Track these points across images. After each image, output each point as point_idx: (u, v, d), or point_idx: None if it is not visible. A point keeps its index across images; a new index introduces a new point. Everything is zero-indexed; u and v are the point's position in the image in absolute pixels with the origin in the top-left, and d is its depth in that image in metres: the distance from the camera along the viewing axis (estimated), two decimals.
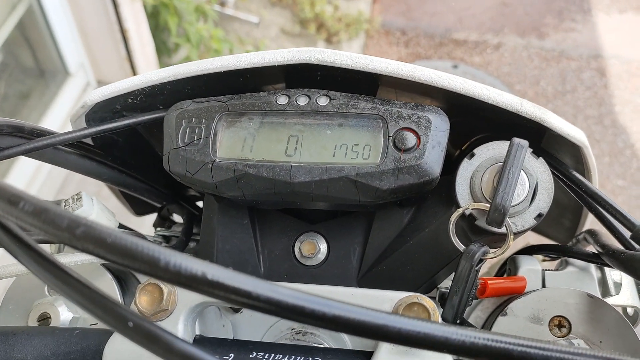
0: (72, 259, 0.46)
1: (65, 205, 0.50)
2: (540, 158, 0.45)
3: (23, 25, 1.99)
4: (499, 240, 0.44)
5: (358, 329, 0.23)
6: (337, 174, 0.45)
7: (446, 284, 0.52)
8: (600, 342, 0.43)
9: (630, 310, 0.52)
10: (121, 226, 0.59)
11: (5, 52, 1.95)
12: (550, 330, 0.44)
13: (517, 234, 0.44)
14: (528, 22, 3.12)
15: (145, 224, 0.92)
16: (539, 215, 0.43)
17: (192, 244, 0.66)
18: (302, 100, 0.48)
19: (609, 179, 2.41)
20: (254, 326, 0.47)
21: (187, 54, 2.40)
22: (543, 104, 2.66)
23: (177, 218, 0.74)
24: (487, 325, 0.47)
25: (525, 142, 0.42)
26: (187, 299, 0.41)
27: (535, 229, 0.52)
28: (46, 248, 0.52)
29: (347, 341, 0.44)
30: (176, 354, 0.24)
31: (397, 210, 0.50)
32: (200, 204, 0.76)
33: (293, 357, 0.40)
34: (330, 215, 0.53)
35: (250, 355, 0.40)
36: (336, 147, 0.46)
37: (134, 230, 0.60)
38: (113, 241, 0.22)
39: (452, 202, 0.46)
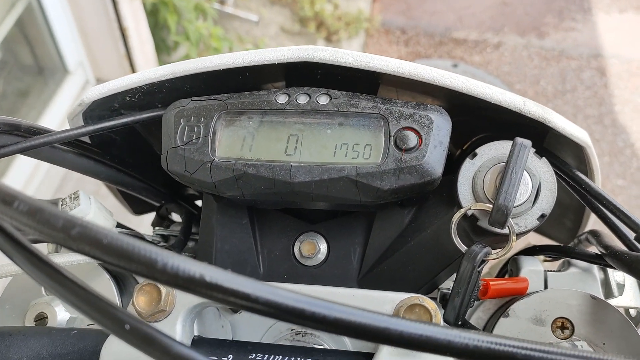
0: (68, 259, 0.46)
1: (62, 204, 0.50)
2: (543, 158, 0.44)
3: (22, 23, 1.98)
4: (501, 241, 0.44)
5: (359, 332, 0.23)
6: (338, 173, 0.44)
7: (447, 284, 0.52)
8: (604, 343, 0.42)
9: (633, 312, 0.51)
10: (119, 225, 0.58)
11: (4, 49, 1.94)
12: (552, 331, 0.44)
13: (519, 235, 0.43)
14: (528, 21, 3.12)
15: (144, 223, 0.92)
16: (542, 216, 0.43)
17: (190, 244, 0.66)
18: (302, 99, 0.47)
19: (608, 178, 2.40)
20: (253, 326, 0.47)
21: (186, 52, 2.39)
22: (543, 104, 2.64)
23: (175, 217, 0.73)
24: (489, 326, 0.46)
25: (528, 142, 0.42)
26: (186, 299, 0.40)
27: (536, 229, 0.51)
28: (43, 247, 0.52)
29: (348, 342, 0.43)
30: (173, 357, 0.23)
31: (398, 210, 0.49)
32: (199, 203, 0.75)
33: (292, 358, 0.39)
34: (330, 215, 0.52)
35: (250, 357, 0.39)
36: (336, 146, 0.45)
37: (132, 230, 0.59)
38: (109, 242, 0.22)
39: (454, 203, 0.45)
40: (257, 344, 0.42)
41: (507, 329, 0.44)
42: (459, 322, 0.42)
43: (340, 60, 0.46)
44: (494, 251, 0.42)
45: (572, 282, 0.49)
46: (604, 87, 2.77)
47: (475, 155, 0.45)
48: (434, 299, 0.49)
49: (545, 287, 0.49)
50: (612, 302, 0.50)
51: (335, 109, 0.46)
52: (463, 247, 0.43)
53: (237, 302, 0.22)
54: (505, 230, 0.42)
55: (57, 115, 2.13)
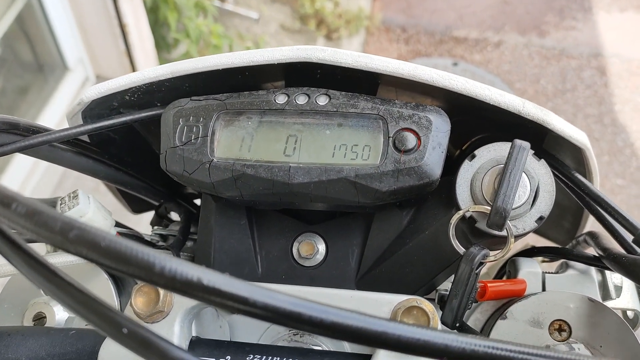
0: (66, 259, 0.46)
1: (61, 204, 0.50)
2: (542, 160, 0.44)
3: (22, 20, 1.98)
4: (499, 243, 0.44)
5: (357, 336, 0.23)
6: (336, 175, 0.44)
7: (445, 286, 0.52)
8: (601, 346, 0.42)
9: (630, 314, 0.51)
10: (118, 224, 0.58)
11: (3, 46, 1.94)
12: (550, 334, 0.44)
13: (517, 237, 0.43)
14: (529, 20, 3.11)
15: (143, 221, 0.92)
16: (540, 218, 0.43)
17: (189, 243, 0.66)
18: (302, 99, 0.47)
19: (608, 177, 2.40)
20: (251, 327, 0.47)
21: (186, 50, 2.39)
22: (543, 103, 2.65)
23: (174, 216, 0.73)
24: (487, 328, 0.46)
25: (527, 144, 0.41)
26: (184, 300, 0.40)
27: (534, 231, 0.51)
28: (42, 247, 0.52)
29: (346, 344, 0.43)
30: None
31: (396, 211, 0.49)
32: (198, 202, 0.75)
33: (290, 359, 0.39)
34: (328, 216, 0.52)
35: (247, 358, 0.39)
36: (335, 147, 0.45)
37: (131, 229, 0.59)
38: (107, 245, 0.22)
39: (452, 204, 0.45)
40: (255, 345, 0.42)
41: (504, 331, 0.44)
42: (457, 324, 0.42)
43: (340, 61, 0.46)
44: (492, 253, 0.42)
45: (569, 284, 0.49)
46: (604, 86, 2.77)
47: (473, 156, 0.45)
48: (431, 300, 0.49)
49: (543, 289, 0.49)
50: (610, 304, 0.50)
51: (335, 110, 0.46)
52: (461, 249, 0.43)
53: (235, 305, 0.22)
54: (504, 233, 0.42)
55: (57, 112, 2.13)
